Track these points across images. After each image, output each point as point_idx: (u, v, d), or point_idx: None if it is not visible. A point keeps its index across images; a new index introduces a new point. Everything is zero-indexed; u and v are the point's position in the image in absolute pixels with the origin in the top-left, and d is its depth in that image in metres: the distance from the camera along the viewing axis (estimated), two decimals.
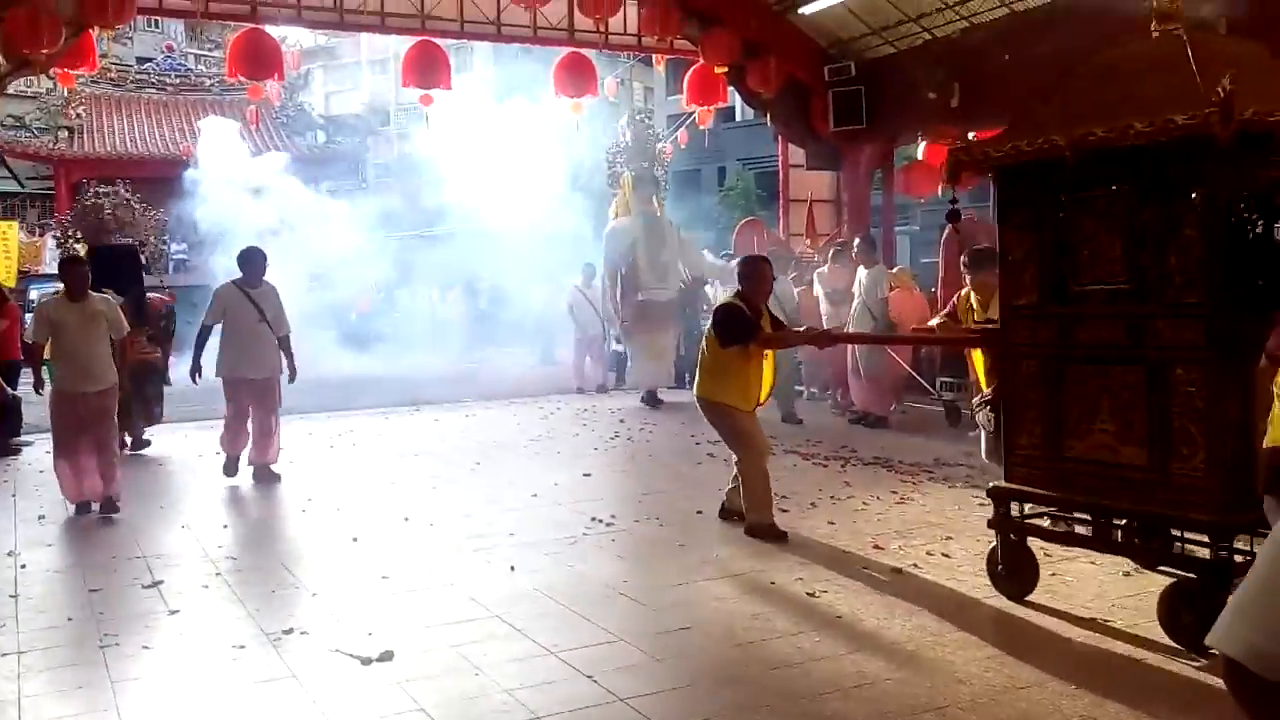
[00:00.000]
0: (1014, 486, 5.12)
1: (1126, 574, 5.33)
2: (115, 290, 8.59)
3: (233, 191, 19.20)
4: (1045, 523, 5.19)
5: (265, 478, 8.75)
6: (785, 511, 7.13)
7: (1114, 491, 4.66)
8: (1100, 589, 5.26)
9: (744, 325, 6.51)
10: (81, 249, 11.84)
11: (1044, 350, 4.93)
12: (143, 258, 11.65)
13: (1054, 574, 5.42)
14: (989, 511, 5.25)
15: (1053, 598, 5.13)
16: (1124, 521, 4.75)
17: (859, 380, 11.31)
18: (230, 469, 8.84)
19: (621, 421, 11.74)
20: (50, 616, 5.28)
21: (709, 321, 6.89)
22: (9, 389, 10.68)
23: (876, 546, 6.24)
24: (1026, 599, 5.10)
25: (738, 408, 6.63)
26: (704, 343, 6.83)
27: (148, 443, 10.53)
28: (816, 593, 5.41)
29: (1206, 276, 4.26)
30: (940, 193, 16.03)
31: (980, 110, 13.48)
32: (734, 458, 6.81)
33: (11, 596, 5.59)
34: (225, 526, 7.35)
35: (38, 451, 10.24)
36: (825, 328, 11.76)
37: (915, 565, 5.84)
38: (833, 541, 6.44)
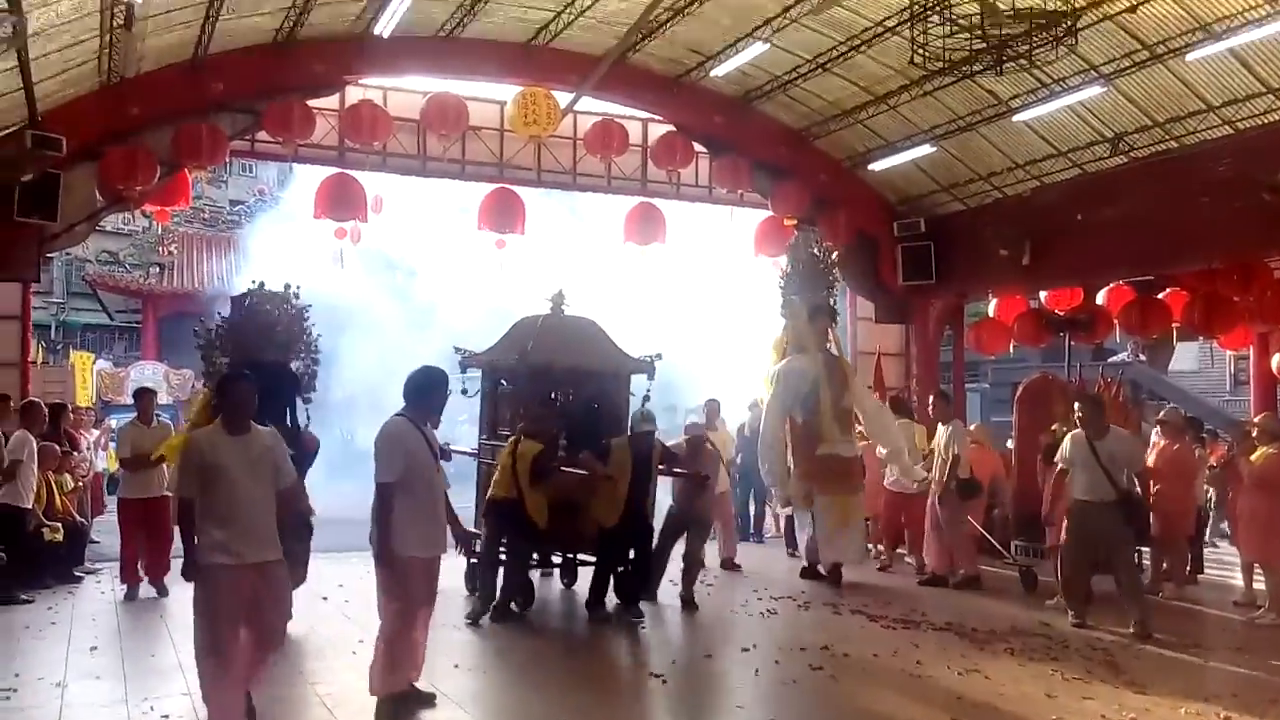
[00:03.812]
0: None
1: None
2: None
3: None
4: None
5: (420, 702, 6.02)
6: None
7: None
8: None
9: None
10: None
11: (487, 461, 9.75)
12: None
13: None
14: (1070, 686, 4.92)
15: None
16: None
17: (939, 537, 10.86)
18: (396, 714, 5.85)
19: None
20: None
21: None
22: (78, 516, 10.82)
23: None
24: None
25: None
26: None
27: None
28: None
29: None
30: (1011, 350, 15.93)
31: (1051, 269, 13.45)
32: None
33: None
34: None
35: (102, 582, 10.26)
36: (885, 484, 11.48)
37: None
38: (902, 713, 6.09)
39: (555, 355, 9.54)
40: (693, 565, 9.72)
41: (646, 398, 9.71)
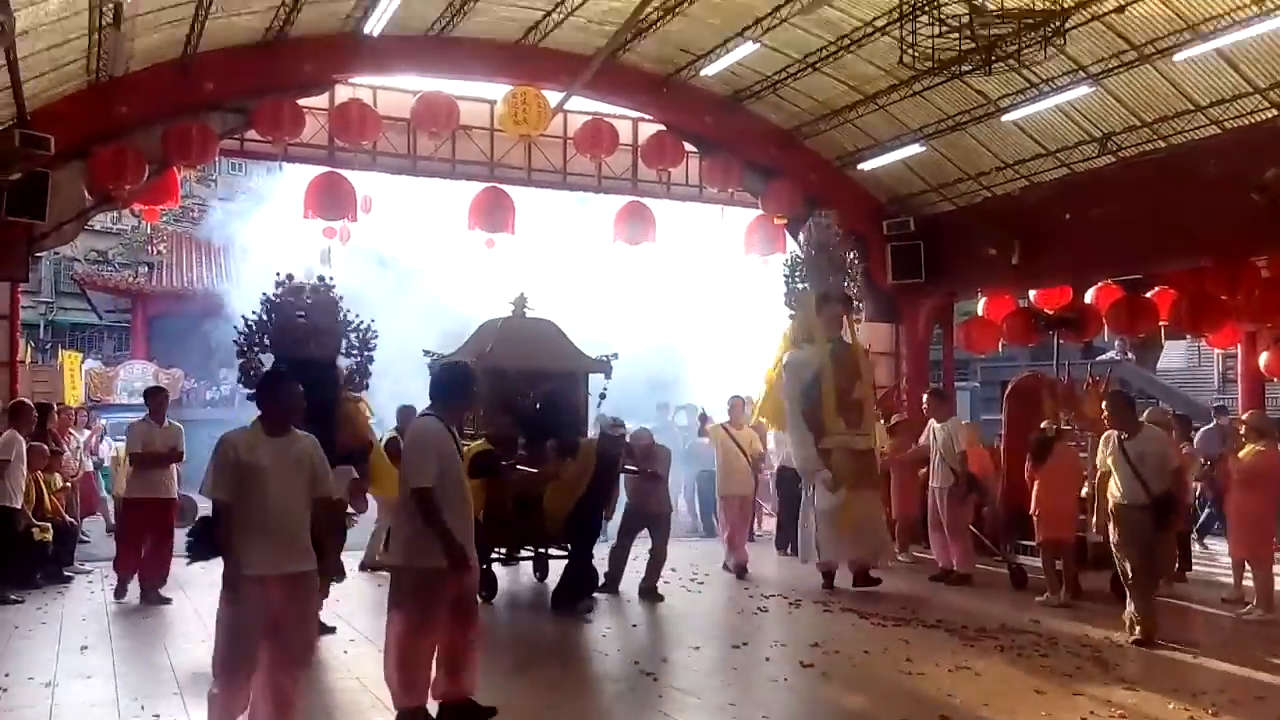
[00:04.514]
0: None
1: None
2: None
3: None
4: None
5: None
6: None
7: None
8: None
9: None
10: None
11: None
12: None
13: None
14: (1060, 683, 4.95)
15: None
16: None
17: (940, 535, 10.92)
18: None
19: (673, 570, 11.38)
20: None
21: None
22: (67, 515, 10.79)
23: (943, 718, 5.89)
24: None
25: None
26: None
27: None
28: None
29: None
30: (1000, 348, 15.99)
31: (1040, 268, 13.51)
32: None
33: None
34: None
35: (93, 582, 10.24)
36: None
37: None
38: (891, 710, 6.11)
39: (514, 356, 10.12)
40: (657, 560, 9.88)
41: (603, 396, 10.31)
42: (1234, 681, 6.83)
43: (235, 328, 8.40)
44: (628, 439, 9.79)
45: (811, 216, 11.96)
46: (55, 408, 12.16)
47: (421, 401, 10.98)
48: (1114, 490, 8.08)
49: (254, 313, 8.34)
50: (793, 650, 7.60)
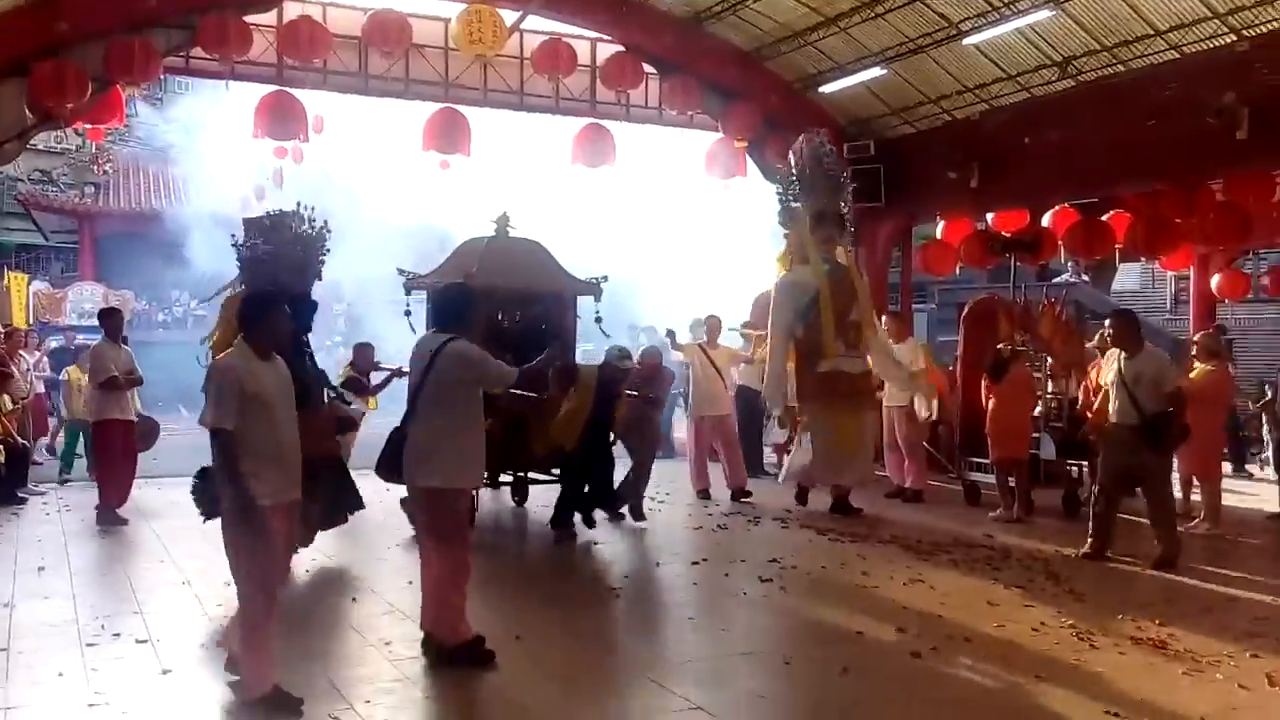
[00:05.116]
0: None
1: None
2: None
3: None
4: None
5: (469, 656, 5.41)
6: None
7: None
8: None
9: None
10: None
11: None
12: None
13: None
14: (1012, 595, 5.24)
15: None
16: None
17: (896, 454, 11.10)
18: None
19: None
20: (40, 673, 5.11)
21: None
22: (19, 438, 10.65)
23: (900, 630, 6.03)
24: None
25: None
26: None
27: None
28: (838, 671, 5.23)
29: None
30: (957, 271, 16.10)
31: (998, 191, 13.55)
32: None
33: (2, 650, 5.44)
34: (227, 584, 7.13)
35: (48, 504, 10.14)
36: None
37: (935, 649, 5.64)
38: (848, 622, 6.25)
39: (501, 277, 9.55)
40: (640, 478, 9.87)
41: (598, 319, 9.84)
42: (1181, 593, 7.06)
43: (238, 247, 7.94)
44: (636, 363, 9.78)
45: (805, 138, 11.54)
46: (2, 330, 11.92)
47: (372, 334, 10.96)
48: (1111, 411, 8.04)
49: (250, 236, 7.93)
50: (752, 566, 7.72)
